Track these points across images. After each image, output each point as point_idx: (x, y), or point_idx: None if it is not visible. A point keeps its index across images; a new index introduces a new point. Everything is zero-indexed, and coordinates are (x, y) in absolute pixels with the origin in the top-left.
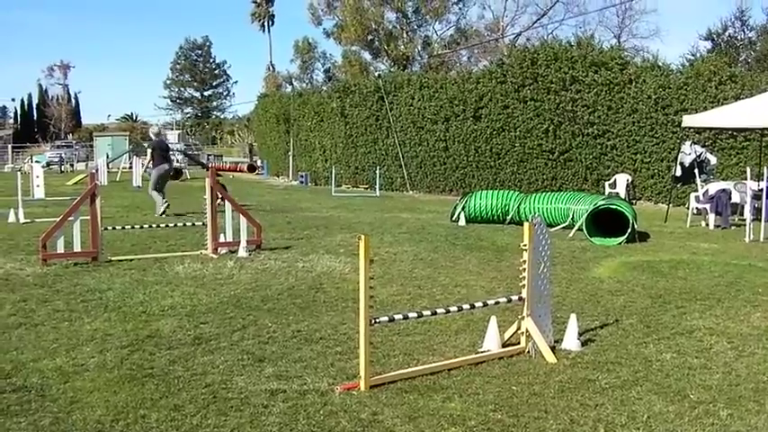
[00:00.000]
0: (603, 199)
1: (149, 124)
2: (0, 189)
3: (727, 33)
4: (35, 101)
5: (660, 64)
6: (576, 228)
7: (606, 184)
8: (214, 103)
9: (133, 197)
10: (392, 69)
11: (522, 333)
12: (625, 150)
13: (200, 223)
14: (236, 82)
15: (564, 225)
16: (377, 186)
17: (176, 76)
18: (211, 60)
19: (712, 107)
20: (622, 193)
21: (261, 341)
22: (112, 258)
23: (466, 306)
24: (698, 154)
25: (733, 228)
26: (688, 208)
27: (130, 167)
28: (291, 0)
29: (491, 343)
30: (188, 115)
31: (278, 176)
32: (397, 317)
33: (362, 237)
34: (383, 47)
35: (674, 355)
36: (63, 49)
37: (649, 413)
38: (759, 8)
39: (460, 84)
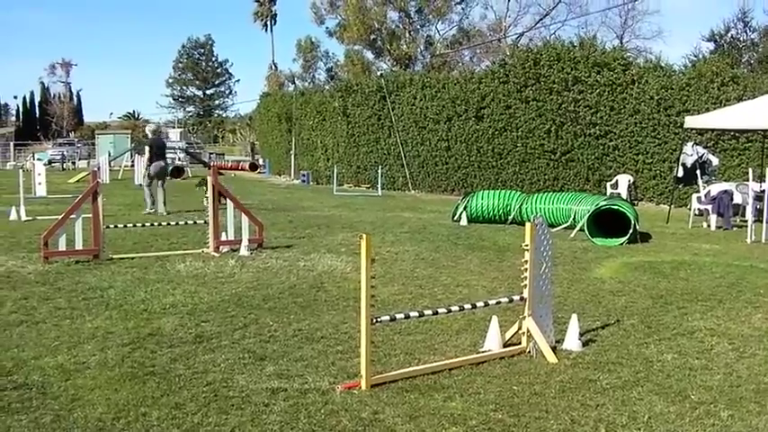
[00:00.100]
0: (605, 199)
1: (151, 122)
2: (2, 187)
3: (729, 35)
4: (37, 99)
5: (663, 65)
6: (578, 228)
7: (608, 184)
8: (216, 102)
9: (135, 195)
10: (394, 69)
11: (524, 333)
12: (627, 151)
13: (202, 221)
14: (238, 81)
15: (565, 225)
16: (379, 186)
17: (179, 75)
18: (214, 59)
19: (714, 108)
20: (624, 194)
21: (262, 340)
22: (114, 256)
23: (467, 306)
24: (700, 155)
25: (735, 229)
26: (690, 209)
27: (132, 165)
28: None
29: (492, 343)
30: (190, 114)
31: (280, 175)
32: (398, 316)
33: (364, 236)
34: (386, 46)
35: (675, 356)
36: (65, 47)
37: (650, 414)
38: (761, 10)
39: (463, 84)
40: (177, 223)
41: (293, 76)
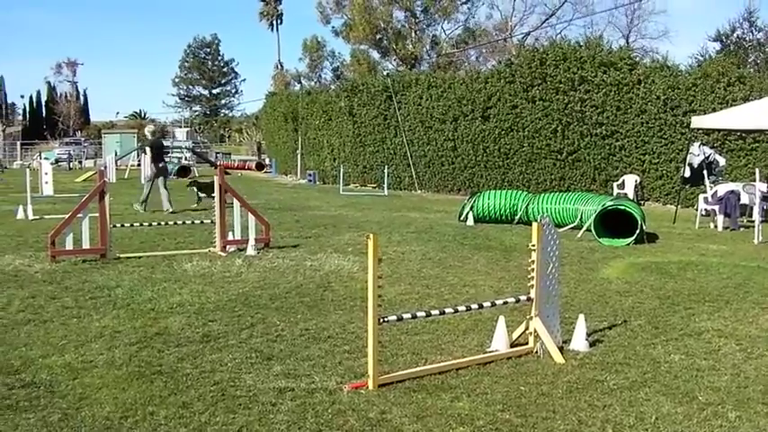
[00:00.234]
0: (612, 200)
1: (156, 122)
2: (9, 186)
3: (735, 35)
4: (44, 98)
5: (669, 65)
6: (585, 228)
7: (614, 184)
8: (222, 101)
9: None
10: (400, 69)
11: (531, 333)
12: (633, 151)
13: (209, 221)
14: (244, 80)
15: (572, 225)
16: (385, 185)
17: (185, 74)
18: (220, 58)
19: (721, 108)
20: (631, 194)
21: (269, 339)
22: (121, 255)
23: (474, 306)
24: (707, 155)
25: (742, 229)
26: (697, 209)
27: (139, 165)
28: None
29: (499, 343)
30: (196, 113)
31: (286, 175)
32: (405, 316)
33: (371, 236)
34: (391, 46)
35: (682, 357)
36: (71, 46)
37: (657, 414)
38: (767, 10)
39: (469, 83)
40: (184, 222)
41: (299, 76)
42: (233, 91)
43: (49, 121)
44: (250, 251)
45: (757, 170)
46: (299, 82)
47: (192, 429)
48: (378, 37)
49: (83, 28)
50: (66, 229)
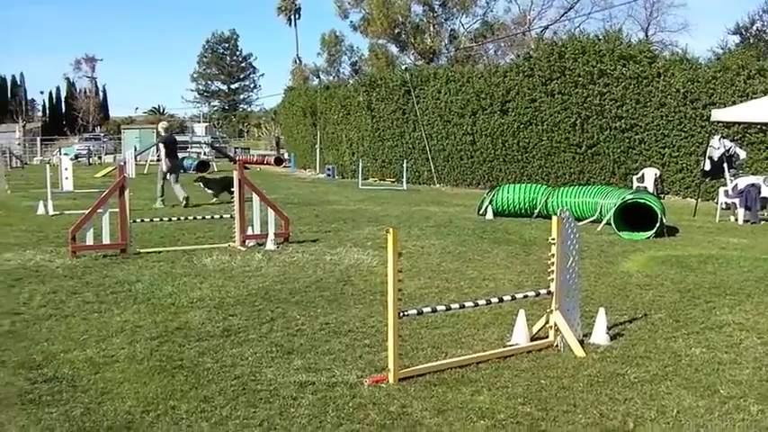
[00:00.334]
0: (631, 193)
1: (175, 117)
2: (29, 182)
3: (755, 27)
4: (63, 94)
5: (689, 58)
6: (605, 222)
7: (634, 178)
8: (241, 96)
9: None
10: (418, 63)
11: (551, 327)
12: (653, 144)
13: (228, 216)
14: (262, 75)
15: (592, 219)
16: (404, 179)
17: (203, 70)
18: (238, 53)
19: (741, 101)
20: (650, 188)
21: (289, 333)
22: (141, 250)
23: (494, 299)
24: (727, 148)
25: (762, 222)
26: (717, 203)
27: (158, 160)
28: None
29: (519, 337)
30: (215, 108)
31: (305, 169)
32: (425, 310)
33: (390, 230)
34: (410, 40)
35: (703, 350)
36: (90, 42)
37: (679, 408)
38: None
39: (487, 77)
40: (204, 217)
41: (318, 70)
42: (251, 86)
43: (68, 117)
44: (270, 246)
45: None
46: (318, 76)
47: (214, 423)
48: (396, 31)
49: (101, 24)
50: (87, 225)
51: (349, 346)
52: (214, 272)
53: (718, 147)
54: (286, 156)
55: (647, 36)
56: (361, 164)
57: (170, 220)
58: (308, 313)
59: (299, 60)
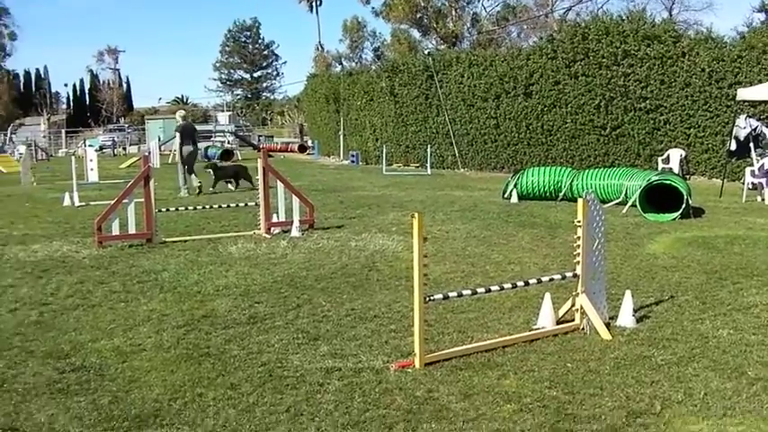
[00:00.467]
0: (657, 174)
1: (199, 107)
2: (55, 173)
3: None
4: (87, 86)
5: (713, 37)
6: (630, 204)
7: (659, 159)
8: (264, 84)
9: None
10: (441, 47)
11: (577, 310)
12: (678, 125)
13: (253, 203)
14: (285, 62)
15: (617, 201)
16: (428, 164)
17: (226, 59)
18: (260, 41)
19: (767, 80)
20: (676, 169)
21: (315, 320)
22: (166, 240)
23: (520, 283)
24: (753, 128)
25: None
26: (743, 183)
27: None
28: None
29: (545, 320)
30: (238, 97)
31: (329, 156)
32: (451, 294)
33: (415, 215)
34: (432, 25)
35: (730, 332)
36: (112, 34)
37: (706, 390)
38: None
39: (510, 60)
40: (228, 206)
41: (340, 57)
42: (274, 74)
43: (92, 108)
44: (295, 233)
45: None
46: (340, 63)
47: (241, 410)
48: (418, 16)
49: (123, 16)
50: (113, 215)
51: (375, 332)
52: (239, 260)
53: (744, 126)
54: (310, 143)
55: (670, 15)
56: (384, 149)
57: (195, 208)
58: (333, 299)
59: (322, 47)
